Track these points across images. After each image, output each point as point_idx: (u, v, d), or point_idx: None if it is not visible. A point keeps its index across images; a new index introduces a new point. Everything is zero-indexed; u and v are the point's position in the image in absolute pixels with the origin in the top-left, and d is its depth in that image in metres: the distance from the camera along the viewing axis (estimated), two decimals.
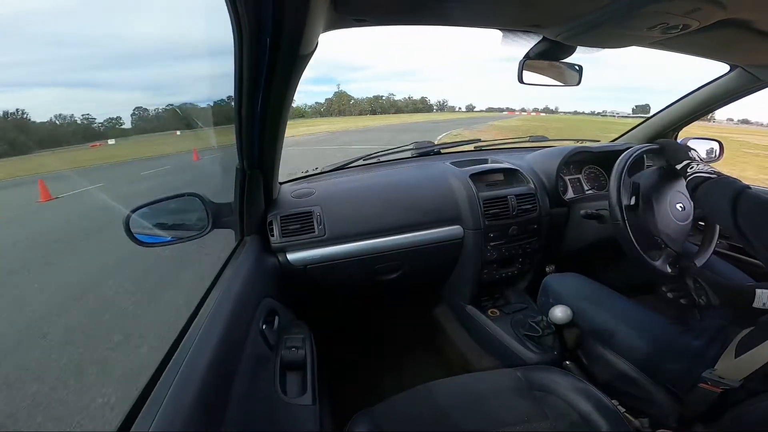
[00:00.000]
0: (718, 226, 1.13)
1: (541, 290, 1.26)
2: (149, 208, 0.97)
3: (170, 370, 0.52)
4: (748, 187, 0.84)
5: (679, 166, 1.00)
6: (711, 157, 1.51)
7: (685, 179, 0.96)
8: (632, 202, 1.04)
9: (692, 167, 0.95)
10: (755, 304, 0.80)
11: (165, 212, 1.02)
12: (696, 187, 0.92)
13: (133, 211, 0.93)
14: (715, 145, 1.51)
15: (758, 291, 0.81)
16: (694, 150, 1.04)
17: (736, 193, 0.81)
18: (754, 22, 0.76)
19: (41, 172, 10.19)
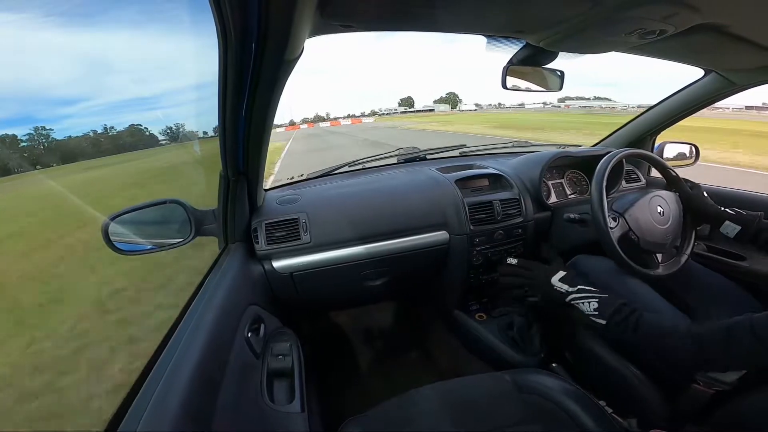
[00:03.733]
0: (694, 233, 1.16)
1: (569, 267, 1.24)
2: (129, 216, 0.95)
3: (153, 379, 0.51)
4: None
5: None
6: (686, 162, 1.56)
7: None
8: (612, 225, 1.05)
9: None
10: None
11: (146, 219, 1.00)
12: None
13: (112, 218, 0.91)
14: (691, 149, 1.57)
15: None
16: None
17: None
18: (728, 27, 0.78)
19: None
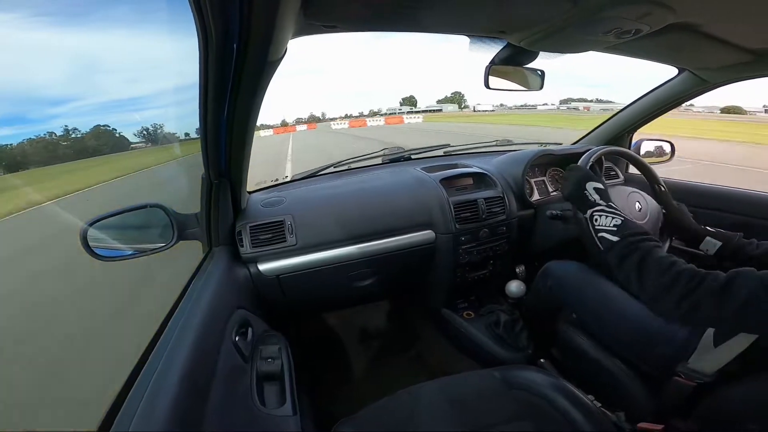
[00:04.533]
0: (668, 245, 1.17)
1: (541, 275, 1.25)
2: (108, 221, 0.92)
3: (139, 386, 0.50)
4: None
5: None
6: (662, 158, 1.61)
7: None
8: None
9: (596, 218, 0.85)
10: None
11: (126, 224, 0.98)
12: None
13: (90, 223, 0.88)
14: (667, 146, 1.61)
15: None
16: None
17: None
18: (701, 26, 0.81)
19: None
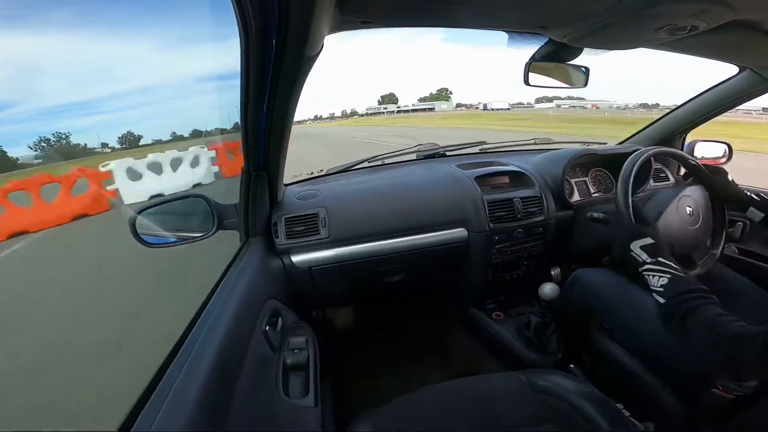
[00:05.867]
0: (726, 223, 1.12)
1: (570, 282, 1.24)
2: (155, 209, 0.98)
3: (173, 370, 0.53)
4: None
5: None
6: (718, 161, 1.50)
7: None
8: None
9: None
10: None
11: (171, 213, 1.03)
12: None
13: (139, 212, 0.94)
14: (724, 148, 1.50)
15: None
16: None
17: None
18: (762, 24, 0.75)
19: None
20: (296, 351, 0.81)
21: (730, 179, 1.05)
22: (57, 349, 2.31)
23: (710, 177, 1.07)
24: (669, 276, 0.77)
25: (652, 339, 0.94)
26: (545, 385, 0.86)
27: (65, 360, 2.17)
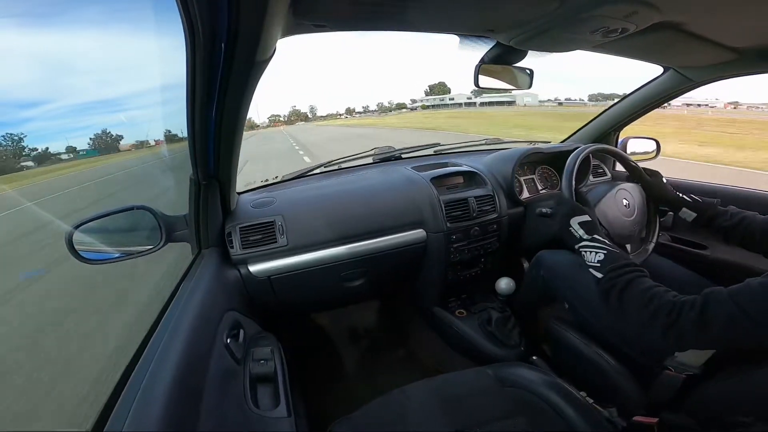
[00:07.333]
0: (658, 220, 1.21)
1: (533, 264, 1.27)
2: (95, 224, 0.90)
3: (130, 389, 0.49)
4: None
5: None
6: (648, 156, 1.64)
7: None
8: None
9: None
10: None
11: (113, 227, 0.96)
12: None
13: (76, 226, 0.86)
14: (653, 144, 1.64)
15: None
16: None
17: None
18: (685, 25, 0.83)
19: None
20: (262, 362, 0.79)
21: (665, 181, 1.14)
22: None
23: (647, 179, 1.15)
24: (605, 252, 0.82)
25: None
26: (512, 379, 0.89)
27: None
